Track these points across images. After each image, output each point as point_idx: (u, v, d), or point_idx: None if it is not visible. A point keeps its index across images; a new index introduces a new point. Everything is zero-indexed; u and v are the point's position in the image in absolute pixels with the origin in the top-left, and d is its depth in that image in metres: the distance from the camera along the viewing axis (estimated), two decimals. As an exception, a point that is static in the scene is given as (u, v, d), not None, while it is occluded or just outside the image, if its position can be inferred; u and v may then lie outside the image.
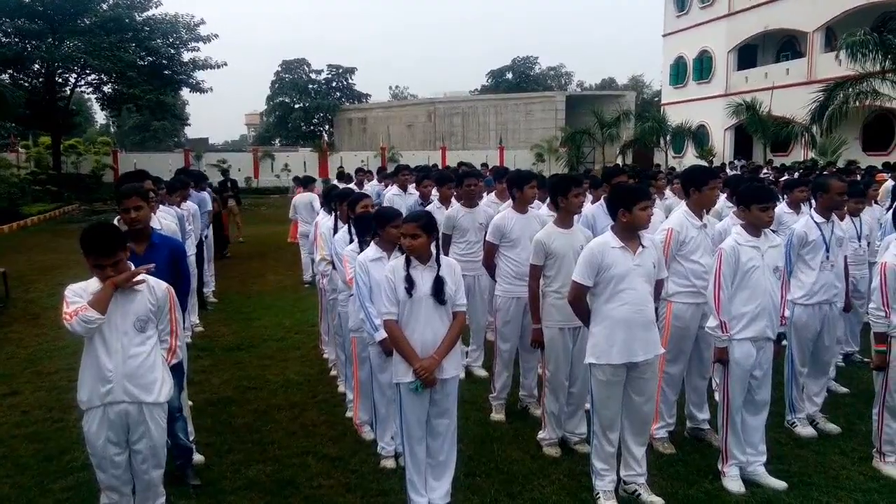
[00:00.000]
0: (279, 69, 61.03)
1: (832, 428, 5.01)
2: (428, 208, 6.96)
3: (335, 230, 5.34)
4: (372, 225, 4.49)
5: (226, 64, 33.81)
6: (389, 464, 4.47)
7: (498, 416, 5.31)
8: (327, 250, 5.49)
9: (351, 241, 4.87)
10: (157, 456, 3.45)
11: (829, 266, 4.95)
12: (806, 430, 4.96)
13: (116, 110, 36.59)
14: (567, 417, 4.73)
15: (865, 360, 6.09)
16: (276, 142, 60.34)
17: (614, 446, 3.99)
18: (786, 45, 32.29)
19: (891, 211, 5.99)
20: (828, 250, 4.93)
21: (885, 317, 4.29)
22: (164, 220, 5.81)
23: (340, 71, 62.26)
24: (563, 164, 36.16)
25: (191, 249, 7.41)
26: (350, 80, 62.80)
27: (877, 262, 4.53)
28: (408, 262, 3.76)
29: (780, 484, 4.15)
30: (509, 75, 65.11)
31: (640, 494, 3.97)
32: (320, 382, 6.25)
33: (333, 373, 6.28)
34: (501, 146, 39.60)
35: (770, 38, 32.67)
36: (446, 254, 6.09)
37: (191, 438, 4.52)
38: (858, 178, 10.62)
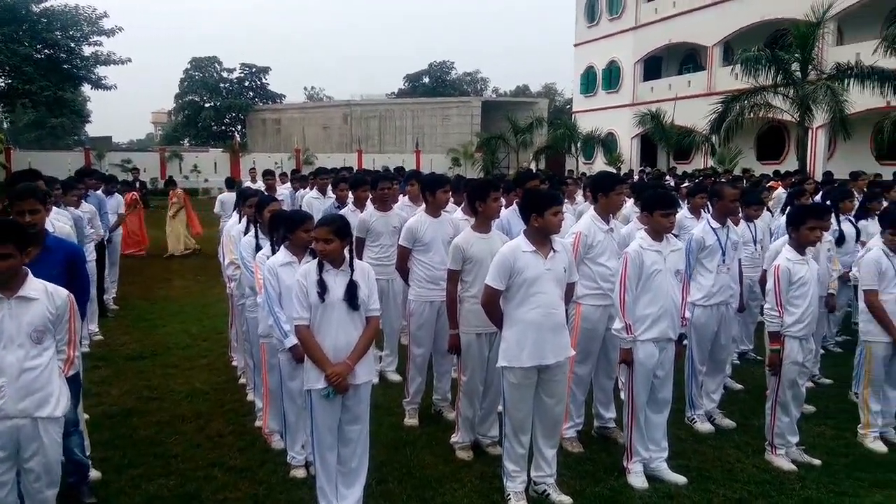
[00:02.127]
0: (188, 66, 58.96)
1: (728, 423, 5.27)
2: (342, 212, 6.89)
3: (244, 233, 5.20)
4: (282, 228, 4.38)
5: (130, 60, 32.42)
6: (300, 473, 4.37)
7: (411, 420, 5.29)
8: (236, 254, 5.32)
9: (258, 245, 4.74)
10: (51, 474, 3.23)
11: (726, 269, 5.20)
12: (704, 426, 5.19)
13: (10, 106, 34.34)
14: (480, 420, 4.76)
15: (759, 358, 6.46)
16: (185, 142, 58.21)
17: (525, 448, 4.05)
18: (688, 58, 33.95)
19: (783, 216, 6.35)
20: (724, 254, 5.18)
21: (779, 317, 4.55)
22: (57, 222, 5.45)
23: (254, 70, 60.82)
24: (478, 168, 36.62)
25: (90, 254, 7.03)
26: (264, 80, 61.46)
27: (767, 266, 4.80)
28: (320, 267, 3.70)
29: (681, 478, 4.32)
30: (426, 79, 65.41)
31: (549, 494, 4.04)
32: (228, 391, 6.05)
33: (242, 381, 6.09)
34: (418, 150, 39.73)
35: (673, 51, 34.27)
36: (360, 258, 6.05)
37: (87, 454, 4.27)
38: (768, 183, 11.25)
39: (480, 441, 4.77)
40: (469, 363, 4.61)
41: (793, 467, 4.54)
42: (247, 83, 60.77)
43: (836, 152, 24.23)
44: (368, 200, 6.57)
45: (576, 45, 40.01)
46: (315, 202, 8.29)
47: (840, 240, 6.45)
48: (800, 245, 4.63)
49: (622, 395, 4.85)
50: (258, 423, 5.11)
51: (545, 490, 4.06)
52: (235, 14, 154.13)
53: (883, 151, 21.55)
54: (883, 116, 16.76)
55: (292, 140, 44.50)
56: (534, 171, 22.92)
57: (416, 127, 45.70)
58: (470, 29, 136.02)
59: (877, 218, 6.02)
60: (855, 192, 8.48)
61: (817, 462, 4.61)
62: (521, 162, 34.90)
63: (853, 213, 7.12)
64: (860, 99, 19.01)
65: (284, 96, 61.87)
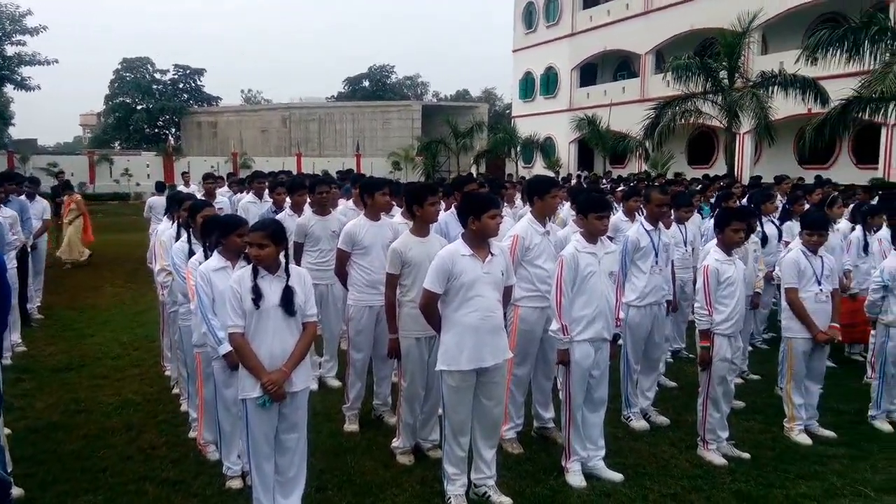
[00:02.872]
0: (119, 67, 57.08)
1: (662, 420, 5.41)
2: (280, 216, 6.78)
3: (176, 238, 5.05)
4: (215, 234, 4.28)
5: (57, 61, 31.17)
6: (236, 484, 4.26)
7: (351, 426, 5.24)
8: (167, 260, 5.17)
9: (191, 250, 4.61)
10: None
11: (658, 270, 5.35)
12: (639, 424, 5.31)
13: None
14: (421, 425, 4.75)
15: (691, 355, 6.65)
16: (116, 145, 56.29)
17: (465, 450, 4.06)
18: (622, 65, 34.85)
19: (712, 219, 6.58)
20: (657, 255, 5.33)
21: (708, 315, 4.70)
22: (-26, 228, 5.21)
23: (188, 72, 59.31)
24: (419, 172, 36.67)
25: (10, 262, 6.70)
26: (198, 82, 59.98)
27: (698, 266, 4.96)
28: (255, 273, 3.62)
29: (617, 476, 4.41)
30: (366, 83, 65.10)
31: (489, 496, 4.06)
32: (161, 401, 5.86)
33: (176, 391, 5.91)
34: (358, 154, 39.46)
35: (608, 58, 35.10)
36: (298, 263, 5.96)
37: (8, 470, 4.04)
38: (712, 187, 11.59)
39: (421, 445, 4.76)
40: (409, 368, 4.60)
41: (724, 461, 4.68)
42: (181, 85, 59.22)
43: (763, 157, 25.26)
44: (307, 204, 6.49)
45: (514, 51, 40.54)
46: (251, 206, 8.13)
47: (763, 240, 6.71)
48: (726, 246, 4.80)
49: (560, 395, 4.92)
50: (192, 434, 4.97)
51: (485, 492, 4.07)
52: (168, 15, 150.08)
53: (805, 156, 22.60)
54: (805, 122, 17.52)
55: (229, 143, 43.56)
56: (474, 175, 23.17)
57: (356, 130, 45.44)
58: (410, 33, 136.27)
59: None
60: (778, 195, 8.87)
61: (746, 456, 4.78)
62: (463, 166, 35.16)
63: (777, 214, 7.44)
64: (784, 106, 19.88)
65: (221, 99, 60.61)
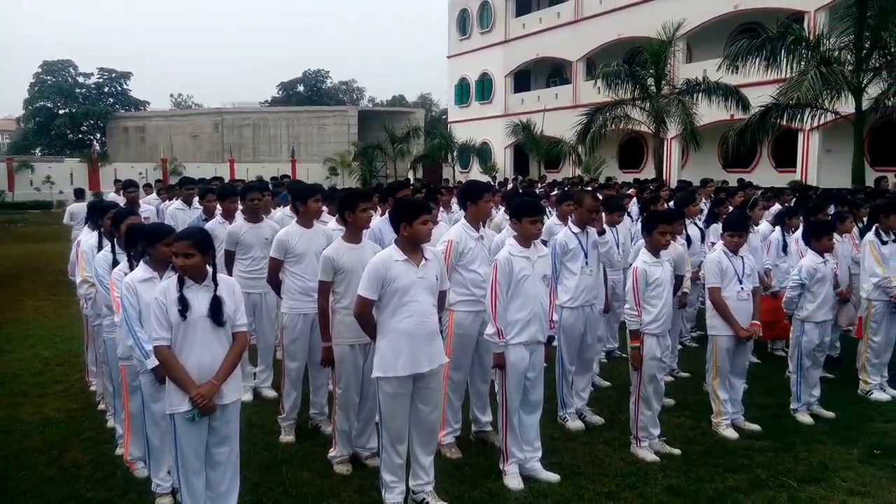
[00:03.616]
0: (39, 71, 54.68)
1: (597, 420, 5.51)
2: (210, 223, 6.63)
3: (99, 248, 4.86)
4: (141, 243, 4.14)
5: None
6: (165, 501, 4.12)
7: (287, 437, 5.14)
8: (89, 271, 4.96)
9: (115, 260, 4.45)
10: None
11: (589, 271, 5.44)
12: (575, 424, 5.40)
13: None
14: (358, 433, 4.70)
15: (624, 355, 6.80)
16: (37, 151, 53.84)
17: (403, 457, 4.03)
18: (554, 72, 35.53)
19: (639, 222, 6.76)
20: (586, 257, 5.42)
21: (638, 315, 4.82)
22: None
23: (113, 75, 57.35)
24: (356, 178, 36.44)
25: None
26: (125, 86, 58.06)
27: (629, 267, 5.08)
28: (181, 283, 3.52)
29: (554, 476, 4.47)
30: (301, 88, 64.37)
31: (427, 502, 4.05)
32: (86, 418, 5.62)
33: (101, 406, 5.68)
34: (294, 159, 38.91)
35: (541, 65, 35.74)
36: (230, 271, 5.83)
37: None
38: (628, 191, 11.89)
39: (359, 454, 4.71)
40: (343, 375, 4.55)
41: (656, 458, 4.81)
42: (106, 89, 57.24)
43: (689, 161, 26.14)
44: (239, 212, 6.35)
45: (449, 57, 40.81)
46: (180, 213, 7.91)
47: (687, 242, 6.93)
48: (653, 248, 4.94)
49: (497, 399, 4.96)
50: (119, 451, 4.78)
51: (424, 498, 4.06)
52: (92, 18, 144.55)
53: (729, 160, 23.53)
54: (728, 128, 18.25)
55: (158, 149, 42.29)
56: (411, 180, 23.18)
57: (291, 136, 44.83)
58: (345, 38, 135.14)
59: (722, 221, 6.52)
60: (703, 198, 9.18)
61: (677, 452, 4.91)
62: (400, 172, 35.13)
63: (702, 217, 7.71)
64: (708, 112, 20.68)
65: (149, 103, 58.82)
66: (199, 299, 3.52)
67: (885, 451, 4.92)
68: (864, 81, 15.31)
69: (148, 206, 8.97)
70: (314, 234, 5.22)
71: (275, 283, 5.26)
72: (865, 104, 15.40)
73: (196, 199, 8.22)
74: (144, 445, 4.35)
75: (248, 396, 5.86)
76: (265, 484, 4.39)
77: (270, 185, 11.64)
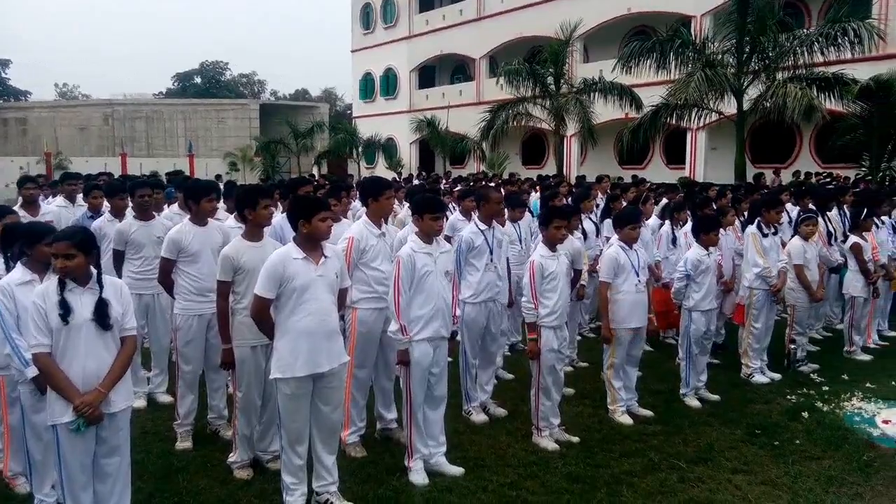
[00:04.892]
0: None
1: (500, 412, 5.61)
2: (98, 221, 6.29)
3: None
4: (18, 243, 3.87)
5: None
6: (49, 518, 3.87)
7: (184, 444, 4.94)
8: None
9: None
10: None
11: (493, 267, 5.53)
12: (479, 417, 5.48)
13: None
14: (259, 437, 4.58)
15: (527, 347, 6.96)
16: None
17: (303, 459, 3.97)
18: (458, 68, 35.88)
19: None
20: (491, 253, 5.51)
21: (534, 309, 4.94)
22: None
23: (-11, 63, 53.20)
24: (258, 173, 35.47)
25: None
26: (3, 74, 54.03)
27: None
28: (62, 285, 3.31)
29: (458, 470, 4.52)
30: (198, 80, 61.95)
31: (331, 503, 4.00)
32: (-42, 434, 5.19)
33: (-24, 420, 5.26)
34: (191, 154, 37.37)
35: (445, 62, 36.01)
36: (119, 272, 5.54)
37: None
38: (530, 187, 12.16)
39: (260, 458, 4.60)
40: (245, 378, 4.41)
41: (556, 446, 4.95)
42: (-19, 77, 53.04)
43: (588, 158, 27.08)
44: (129, 209, 6.05)
45: (353, 52, 40.42)
46: (63, 211, 7.42)
47: (583, 236, 7.17)
48: (550, 242, 5.07)
49: (402, 395, 4.95)
50: (-3, 467, 4.45)
51: (328, 499, 4.00)
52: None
53: (624, 157, 24.53)
54: (623, 126, 19.03)
55: (42, 142, 39.54)
56: (316, 175, 22.80)
57: (188, 129, 43.03)
58: (245, 29, 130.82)
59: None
60: (599, 193, 9.53)
61: (576, 439, 5.08)
62: (304, 167, 34.49)
63: (597, 212, 7.99)
64: (604, 111, 21.49)
65: (31, 93, 55.01)
66: (83, 302, 3.33)
67: (764, 430, 5.27)
68: (745, 83, 16.35)
69: (50, 208, 8.07)
70: (209, 231, 5.03)
71: (167, 283, 5.03)
72: (746, 105, 16.44)
73: (80, 195, 7.74)
74: (25, 459, 4.07)
75: (141, 403, 5.60)
76: (160, 494, 4.21)
77: (166, 181, 11.14)
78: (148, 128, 43.63)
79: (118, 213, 6.23)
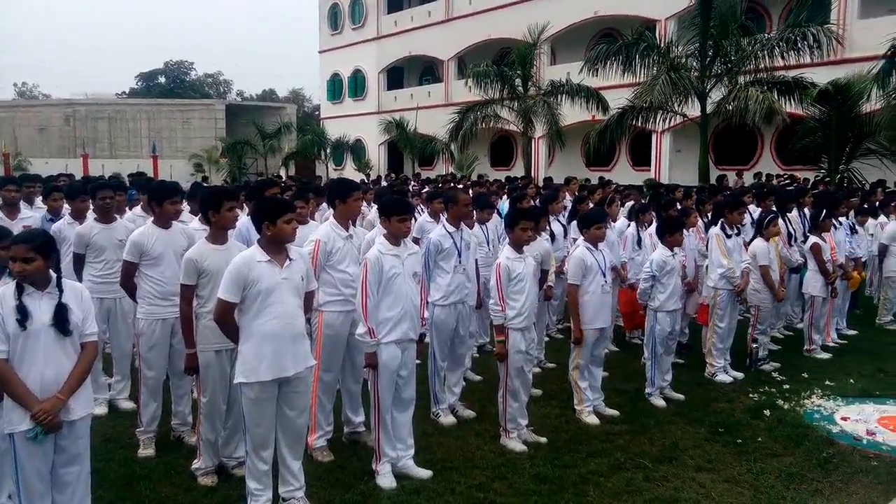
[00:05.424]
0: None
1: (469, 413, 5.62)
2: (58, 224, 6.14)
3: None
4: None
5: None
6: (6, 529, 3.77)
7: (147, 451, 4.84)
8: None
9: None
10: None
11: (462, 269, 5.53)
12: (448, 419, 5.47)
13: None
14: (224, 442, 4.51)
15: (495, 349, 6.98)
16: None
17: (268, 464, 3.92)
18: (427, 70, 35.90)
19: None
20: (460, 255, 5.52)
21: (501, 310, 4.95)
22: None
23: (-57, 60, 51.67)
24: (224, 174, 35.04)
25: None
26: (-42, 73, 52.53)
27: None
28: (20, 290, 3.23)
29: (426, 473, 4.51)
30: (162, 79, 61.00)
31: (299, 508, 3.96)
32: None
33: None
34: (155, 155, 36.75)
35: (414, 63, 35.98)
36: (80, 275, 5.42)
37: None
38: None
39: (225, 464, 4.53)
40: (209, 383, 4.34)
41: (524, 448, 4.96)
42: (-66, 75, 51.45)
43: (555, 159, 27.30)
44: (90, 212, 5.91)
45: (321, 52, 40.18)
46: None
47: (551, 237, 7.22)
48: (516, 244, 5.08)
49: (370, 398, 4.92)
50: (-49, 478, 4.32)
51: (294, 504, 3.97)
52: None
53: (591, 159, 24.78)
54: (589, 128, 19.23)
55: (-1, 143, 38.57)
56: (283, 177, 22.59)
57: (152, 130, 42.33)
58: (211, 29, 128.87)
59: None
60: (567, 195, 9.60)
61: (543, 440, 5.10)
62: (271, 168, 34.16)
63: (565, 213, 8.05)
64: (571, 113, 21.68)
65: (-13, 92, 53.48)
66: (42, 307, 3.25)
67: (727, 429, 5.36)
68: (708, 87, 16.64)
69: (30, 213, 7.58)
70: (172, 234, 4.94)
71: (129, 287, 4.93)
72: (709, 108, 16.74)
73: (39, 198, 7.55)
74: (-20, 470, 3.95)
75: (102, 410, 5.48)
76: (121, 503, 4.12)
77: (128, 183, 10.92)
78: (111, 128, 42.83)
79: (79, 216, 6.08)
